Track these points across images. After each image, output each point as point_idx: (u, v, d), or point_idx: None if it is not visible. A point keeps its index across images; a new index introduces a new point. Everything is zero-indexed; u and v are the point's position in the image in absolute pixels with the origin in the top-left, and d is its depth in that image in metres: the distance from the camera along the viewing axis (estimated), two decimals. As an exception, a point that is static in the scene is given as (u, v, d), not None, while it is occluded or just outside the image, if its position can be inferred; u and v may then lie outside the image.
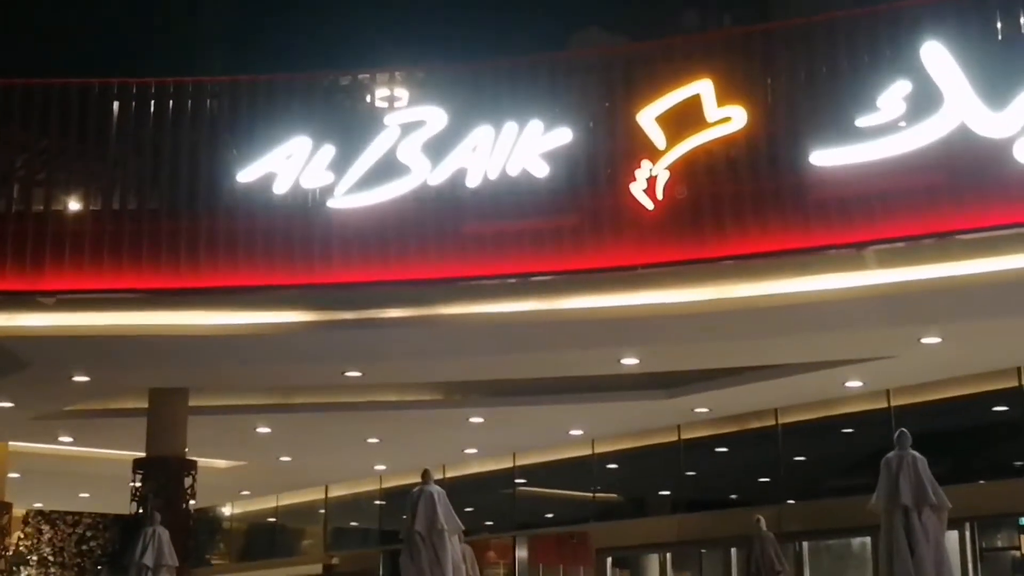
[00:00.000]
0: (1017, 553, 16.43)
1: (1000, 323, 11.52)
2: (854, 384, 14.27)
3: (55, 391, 14.39)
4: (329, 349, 12.79)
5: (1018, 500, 13.75)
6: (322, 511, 23.14)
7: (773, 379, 13.99)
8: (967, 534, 13.78)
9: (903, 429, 7.81)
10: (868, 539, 15.08)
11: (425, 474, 9.17)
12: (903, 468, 7.55)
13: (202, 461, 15.60)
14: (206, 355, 13.05)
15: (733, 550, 16.18)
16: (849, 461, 15.65)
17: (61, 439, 17.78)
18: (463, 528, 9.16)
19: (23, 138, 12.90)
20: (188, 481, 14.29)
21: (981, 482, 13.56)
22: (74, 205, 12.75)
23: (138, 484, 14.23)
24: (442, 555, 8.90)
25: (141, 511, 13.75)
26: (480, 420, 16.64)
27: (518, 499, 19.80)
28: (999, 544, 16.64)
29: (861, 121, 10.31)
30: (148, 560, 10.60)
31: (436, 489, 9.12)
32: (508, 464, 19.53)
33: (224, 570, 25.11)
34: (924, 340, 12.10)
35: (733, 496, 17.25)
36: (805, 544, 15.62)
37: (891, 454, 7.67)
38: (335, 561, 22.10)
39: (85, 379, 13.72)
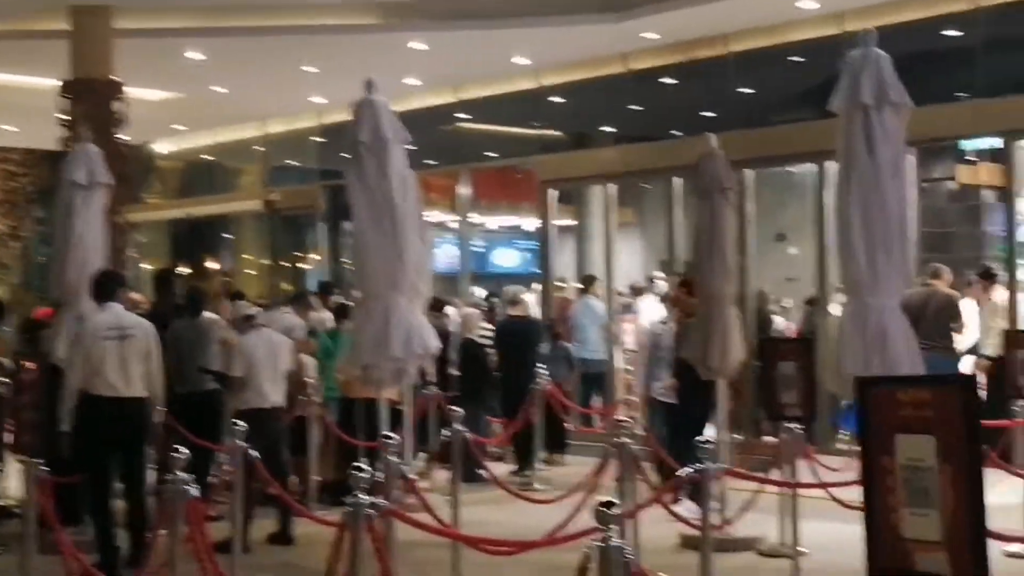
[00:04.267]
0: (953, 184, 16.51)
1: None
2: (808, 5, 13.80)
3: (-33, 7, 13.65)
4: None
5: (960, 124, 13.56)
6: (261, 148, 22.77)
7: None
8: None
9: (871, 28, 7.40)
10: (815, 167, 14.98)
11: (368, 84, 8.62)
12: (866, 65, 7.19)
13: (133, 91, 15.06)
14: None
15: (675, 179, 16.06)
16: (799, 90, 15.38)
17: (-20, 64, 17.05)
18: (410, 138, 8.72)
19: None
20: (117, 105, 13.88)
21: (925, 107, 13.24)
22: None
23: (65, 111, 13.82)
24: (387, 168, 8.47)
25: (70, 135, 13.36)
26: (422, 47, 16.07)
27: (460, 135, 19.47)
28: (936, 175, 16.68)
29: None
30: (80, 178, 10.07)
31: (379, 98, 8.59)
32: (451, 99, 19.09)
33: (161, 208, 24.86)
34: (886, -48, 11.62)
35: (678, 132, 17.00)
36: (750, 172, 15.47)
37: (856, 50, 7.29)
38: (274, 197, 21.83)
39: (-1, -7, 12.98)
